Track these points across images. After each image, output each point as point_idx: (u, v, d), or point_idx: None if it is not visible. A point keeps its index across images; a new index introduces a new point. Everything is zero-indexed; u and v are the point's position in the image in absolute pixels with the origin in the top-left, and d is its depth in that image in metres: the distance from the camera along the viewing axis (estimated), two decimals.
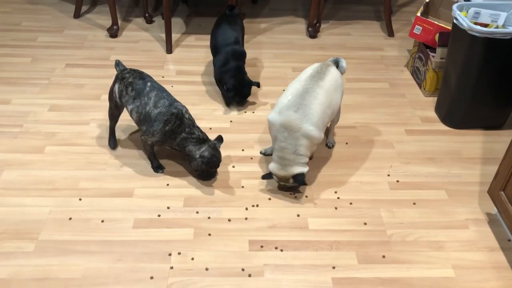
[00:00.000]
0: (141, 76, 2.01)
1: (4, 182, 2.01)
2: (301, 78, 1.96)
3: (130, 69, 2.05)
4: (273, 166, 1.93)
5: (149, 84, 1.98)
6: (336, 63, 2.09)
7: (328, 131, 2.25)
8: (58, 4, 3.51)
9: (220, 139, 2.06)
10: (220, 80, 2.51)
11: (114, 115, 2.14)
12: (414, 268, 1.72)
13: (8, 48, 2.96)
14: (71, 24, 3.28)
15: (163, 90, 1.99)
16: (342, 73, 2.07)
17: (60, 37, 3.12)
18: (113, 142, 2.21)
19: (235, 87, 2.42)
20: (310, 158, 2.14)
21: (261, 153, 2.20)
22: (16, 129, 2.30)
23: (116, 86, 2.03)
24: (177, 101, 1.98)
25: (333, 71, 2.00)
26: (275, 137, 1.90)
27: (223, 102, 2.56)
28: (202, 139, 1.96)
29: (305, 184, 1.95)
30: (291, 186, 1.99)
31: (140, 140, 2.18)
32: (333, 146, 2.26)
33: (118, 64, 2.10)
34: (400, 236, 1.84)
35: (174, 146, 2.00)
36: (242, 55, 2.50)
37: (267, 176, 1.98)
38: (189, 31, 3.26)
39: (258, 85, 2.49)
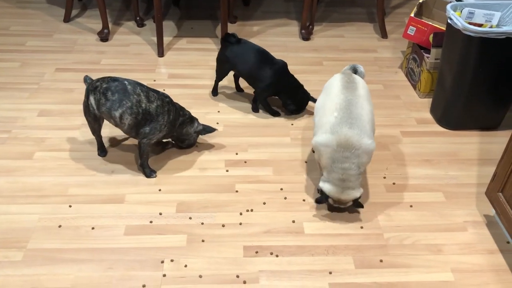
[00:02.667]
0: (113, 78, 1.91)
1: None
2: (334, 92, 1.86)
3: (98, 78, 1.95)
4: (332, 190, 1.79)
5: (126, 82, 1.90)
6: (354, 70, 2.03)
7: None
8: (48, 8, 3.47)
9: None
10: (266, 101, 2.44)
11: (95, 129, 2.05)
12: (412, 272, 1.68)
13: None
14: (61, 28, 3.23)
15: (139, 83, 1.95)
16: (362, 78, 2.01)
17: (49, 41, 3.07)
18: (103, 151, 2.15)
19: (296, 104, 2.40)
20: None
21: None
22: (4, 135, 2.24)
23: (91, 98, 1.91)
24: (157, 90, 1.99)
25: (358, 78, 1.94)
26: (332, 159, 1.75)
27: (215, 105, 2.52)
28: (191, 116, 2.10)
29: (363, 206, 1.89)
30: (344, 208, 1.89)
31: (137, 145, 2.13)
32: None
33: (86, 79, 1.99)
34: (397, 239, 1.80)
35: (174, 134, 2.06)
36: (286, 66, 2.38)
37: (323, 199, 1.86)
38: (181, 34, 3.22)
39: (314, 100, 2.37)
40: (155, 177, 2.04)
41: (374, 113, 1.93)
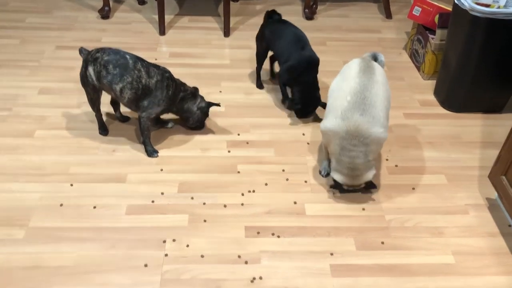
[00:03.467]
0: (114, 50, 1.89)
1: None
2: (350, 75, 1.79)
3: (97, 48, 1.92)
4: (343, 179, 1.79)
5: (127, 56, 1.89)
6: (374, 57, 1.95)
7: None
8: None
9: (196, 88, 2.11)
10: (285, 85, 2.30)
11: (94, 100, 2.02)
12: (414, 255, 1.69)
13: None
14: (61, 4, 3.18)
15: (140, 58, 1.93)
16: (382, 67, 1.91)
17: (49, 18, 3.02)
18: (104, 130, 2.14)
19: (304, 102, 2.22)
20: None
21: (322, 174, 1.97)
22: (5, 113, 2.23)
23: (90, 69, 1.89)
24: (158, 65, 1.98)
25: (377, 65, 1.86)
26: (340, 146, 1.71)
27: (217, 85, 2.50)
28: (193, 92, 2.08)
29: (375, 187, 1.88)
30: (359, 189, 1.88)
31: (137, 122, 2.12)
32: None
33: (82, 51, 1.95)
34: (399, 222, 1.81)
35: (174, 109, 2.05)
36: (318, 64, 2.22)
37: (336, 186, 1.85)
38: (183, 12, 3.17)
39: (324, 106, 2.20)
40: (156, 156, 2.04)
41: (390, 101, 1.85)
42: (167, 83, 1.95)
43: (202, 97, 2.11)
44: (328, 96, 1.88)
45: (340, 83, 1.82)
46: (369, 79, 1.75)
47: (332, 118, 1.73)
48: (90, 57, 1.91)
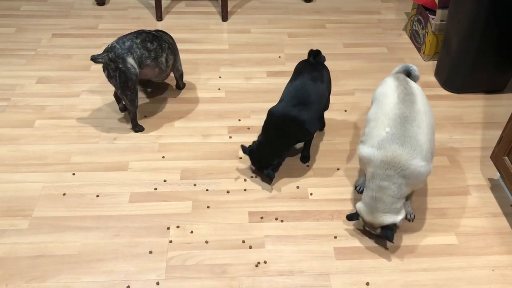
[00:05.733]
0: (136, 34, 1.97)
1: None
2: (388, 104, 1.62)
3: (116, 43, 1.89)
4: (361, 208, 1.61)
5: (150, 30, 2.04)
6: (407, 72, 1.76)
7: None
8: None
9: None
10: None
11: (136, 94, 1.98)
12: (417, 236, 1.69)
13: None
14: None
15: (143, 30, 2.03)
16: (415, 82, 1.75)
17: (44, 5, 2.99)
18: (139, 125, 2.11)
19: (257, 155, 1.83)
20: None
21: (357, 190, 1.85)
22: (3, 103, 2.21)
23: (130, 61, 1.87)
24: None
25: (415, 86, 1.68)
26: (374, 174, 1.56)
27: (216, 70, 2.48)
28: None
29: (391, 240, 1.57)
30: (377, 234, 1.66)
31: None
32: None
33: (96, 59, 1.85)
34: None
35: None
36: (295, 130, 1.75)
37: (354, 217, 1.65)
38: None
39: (270, 177, 1.82)
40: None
41: (435, 131, 1.68)
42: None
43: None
44: (366, 122, 1.70)
45: (377, 113, 1.64)
46: (410, 110, 1.58)
47: (369, 147, 1.58)
48: (118, 54, 1.86)
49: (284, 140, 1.78)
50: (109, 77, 1.91)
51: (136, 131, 2.08)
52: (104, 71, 1.91)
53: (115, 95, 2.14)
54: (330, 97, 2.33)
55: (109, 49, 1.88)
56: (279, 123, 1.75)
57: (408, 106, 1.59)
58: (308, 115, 1.75)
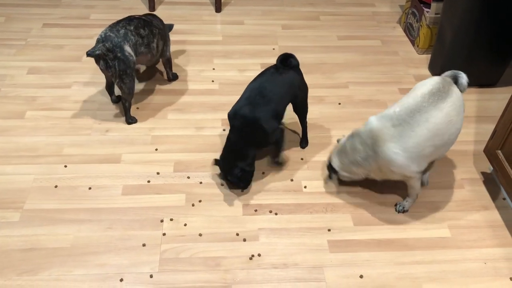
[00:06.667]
0: (127, 21, 1.95)
1: None
2: (418, 93, 1.60)
3: (103, 36, 1.85)
4: (334, 151, 1.74)
5: (140, 16, 2.02)
6: (455, 78, 1.67)
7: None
8: None
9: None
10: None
11: (133, 84, 1.98)
12: (410, 229, 1.70)
13: None
14: None
15: (133, 16, 2.02)
16: (461, 91, 1.65)
17: None
18: (132, 117, 2.09)
19: (222, 162, 1.78)
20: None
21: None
22: None
23: (127, 49, 1.86)
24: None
25: (456, 92, 1.61)
26: (358, 134, 1.63)
27: (210, 61, 2.46)
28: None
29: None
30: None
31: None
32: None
33: (92, 53, 1.81)
34: (395, 197, 1.81)
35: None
36: (254, 127, 1.69)
37: (331, 172, 1.78)
38: None
39: (238, 186, 1.80)
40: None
41: (450, 140, 1.61)
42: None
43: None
44: None
45: (408, 95, 1.64)
46: (430, 104, 1.55)
47: (376, 116, 1.61)
48: (115, 42, 1.83)
49: (245, 143, 1.71)
50: (107, 68, 1.86)
51: (129, 123, 2.06)
52: (97, 62, 1.88)
53: (107, 87, 2.11)
54: (324, 89, 2.33)
55: (104, 39, 1.84)
56: (234, 121, 1.72)
57: (432, 101, 1.56)
58: (263, 113, 1.69)
